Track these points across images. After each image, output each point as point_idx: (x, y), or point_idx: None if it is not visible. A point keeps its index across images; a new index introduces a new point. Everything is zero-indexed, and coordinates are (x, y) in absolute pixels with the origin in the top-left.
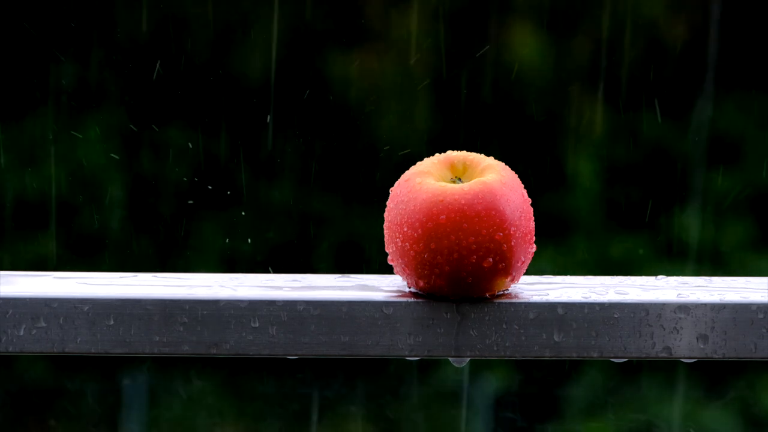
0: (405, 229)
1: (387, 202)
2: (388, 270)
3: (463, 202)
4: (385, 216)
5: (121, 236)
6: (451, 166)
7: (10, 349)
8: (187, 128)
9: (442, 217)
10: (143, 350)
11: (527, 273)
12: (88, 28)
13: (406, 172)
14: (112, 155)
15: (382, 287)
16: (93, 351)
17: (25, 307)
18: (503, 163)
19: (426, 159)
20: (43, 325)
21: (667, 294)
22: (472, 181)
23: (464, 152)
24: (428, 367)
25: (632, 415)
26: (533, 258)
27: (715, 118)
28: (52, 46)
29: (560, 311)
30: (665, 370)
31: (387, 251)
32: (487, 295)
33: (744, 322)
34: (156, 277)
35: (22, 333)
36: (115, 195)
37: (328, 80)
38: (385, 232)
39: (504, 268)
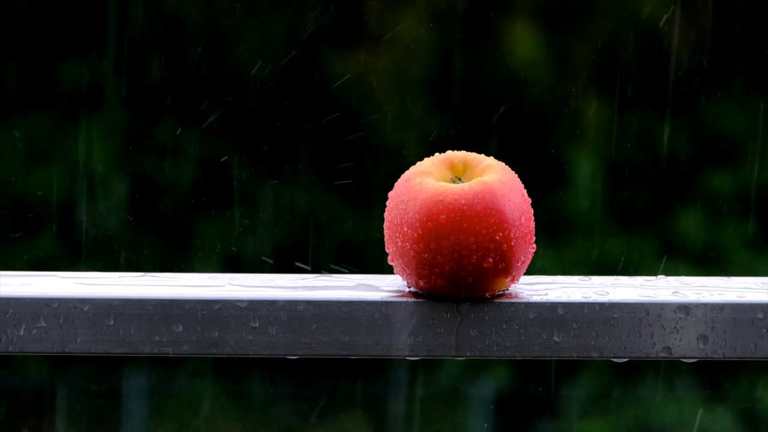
0: (405, 229)
1: (387, 202)
2: (388, 270)
3: (463, 202)
4: (385, 216)
5: (121, 236)
6: (451, 166)
7: (10, 349)
8: (187, 128)
9: (442, 217)
10: (143, 350)
11: (527, 273)
12: (89, 27)
13: (406, 172)
14: (113, 155)
15: (382, 287)
16: (93, 351)
17: (25, 307)
18: (503, 163)
19: (426, 159)
20: (43, 325)
21: (667, 294)
22: (472, 181)
23: (464, 152)
24: (428, 366)
25: (632, 415)
26: (533, 258)
27: (716, 117)
28: (52, 46)
29: (560, 311)
30: (665, 370)
31: (387, 251)
32: (487, 295)
33: (744, 322)
34: (156, 277)
35: (22, 333)
36: (115, 195)
37: (328, 80)
38: (385, 232)
39: (504, 268)
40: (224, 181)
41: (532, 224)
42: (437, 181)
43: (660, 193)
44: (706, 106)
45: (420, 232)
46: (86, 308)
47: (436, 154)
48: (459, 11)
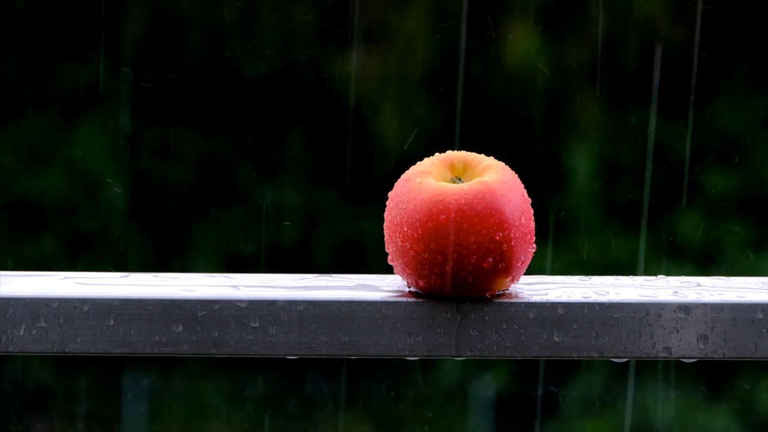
0: (405, 229)
1: (387, 202)
2: (388, 270)
3: (463, 202)
4: (385, 216)
5: (121, 236)
6: (451, 166)
7: (10, 349)
8: (187, 128)
9: (442, 217)
10: (143, 350)
11: (527, 273)
12: (88, 27)
13: (406, 172)
14: (113, 155)
15: (382, 287)
16: (93, 351)
17: (25, 307)
18: (503, 163)
19: (426, 159)
20: (43, 325)
21: (667, 294)
22: (472, 181)
23: (464, 152)
24: (428, 366)
25: (632, 415)
26: (533, 258)
27: (715, 117)
28: (52, 46)
29: (560, 311)
30: (665, 370)
31: (387, 251)
32: (487, 295)
33: (744, 322)
34: (156, 277)
35: (22, 333)
36: (115, 195)
37: (328, 80)
38: (385, 232)
39: (504, 268)
40: (224, 181)
41: (532, 224)
42: (437, 181)
43: (660, 193)
44: (707, 105)
45: (420, 232)
46: (86, 308)
47: (436, 154)
48: (459, 11)
